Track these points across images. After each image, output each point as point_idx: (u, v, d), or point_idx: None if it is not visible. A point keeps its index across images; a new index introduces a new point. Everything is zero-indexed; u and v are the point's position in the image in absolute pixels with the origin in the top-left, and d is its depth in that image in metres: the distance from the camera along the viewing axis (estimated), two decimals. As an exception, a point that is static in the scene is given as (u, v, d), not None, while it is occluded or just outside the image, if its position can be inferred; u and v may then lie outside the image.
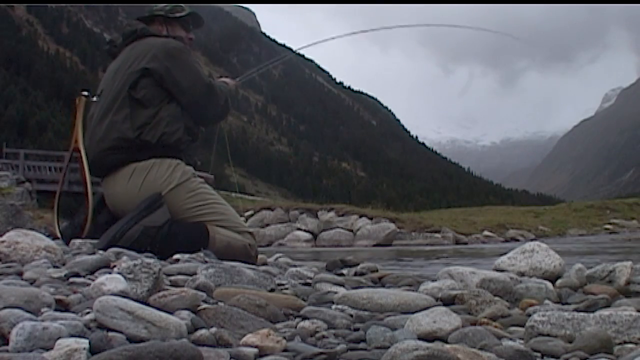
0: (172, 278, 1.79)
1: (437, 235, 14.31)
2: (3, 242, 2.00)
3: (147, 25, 3.04)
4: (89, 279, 1.68)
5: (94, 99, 2.93)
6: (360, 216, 14.81)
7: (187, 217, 2.73)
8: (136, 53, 2.85)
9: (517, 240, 14.73)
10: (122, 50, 2.97)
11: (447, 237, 14.26)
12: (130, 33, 2.97)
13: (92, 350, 0.98)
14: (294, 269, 2.46)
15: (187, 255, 2.30)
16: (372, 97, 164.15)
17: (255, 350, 1.12)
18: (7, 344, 1.02)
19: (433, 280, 2.24)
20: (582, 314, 1.45)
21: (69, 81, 63.65)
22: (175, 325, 1.14)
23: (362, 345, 1.28)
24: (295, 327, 1.39)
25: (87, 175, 2.83)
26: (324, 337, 1.33)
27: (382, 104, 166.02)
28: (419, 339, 1.30)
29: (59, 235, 2.88)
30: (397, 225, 14.43)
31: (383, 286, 2.31)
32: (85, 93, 2.92)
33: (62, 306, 1.30)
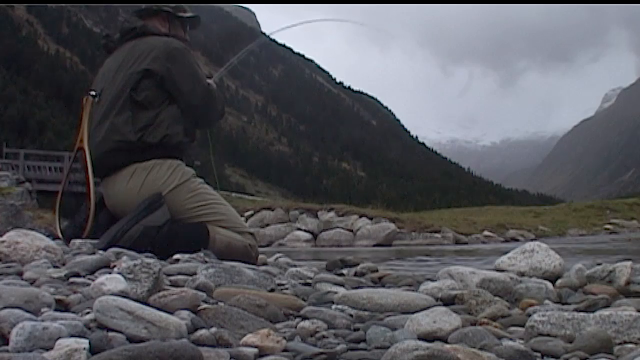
0: (172, 278, 1.79)
1: (437, 235, 14.30)
2: (3, 242, 2.00)
3: (147, 21, 2.99)
4: (89, 279, 1.68)
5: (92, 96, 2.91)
6: (360, 216, 14.80)
7: (187, 218, 2.73)
8: (137, 52, 2.82)
9: (517, 240, 14.71)
10: (121, 47, 2.93)
11: (447, 237, 14.24)
12: (129, 30, 2.93)
13: (92, 350, 0.99)
14: (294, 269, 2.46)
15: (187, 255, 2.30)
16: (372, 97, 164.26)
17: (255, 350, 1.13)
18: (7, 344, 1.02)
19: (433, 280, 2.24)
20: (582, 314, 1.45)
21: (69, 81, 63.71)
22: (175, 325, 1.14)
23: (362, 345, 1.28)
24: (295, 327, 1.39)
25: (90, 175, 2.83)
26: (324, 337, 1.33)
27: (382, 104, 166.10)
28: (419, 339, 1.30)
29: (59, 235, 2.88)
30: (397, 225, 14.41)
31: (383, 286, 2.31)
32: (93, 93, 2.92)
33: (62, 306, 1.30)
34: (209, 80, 3.09)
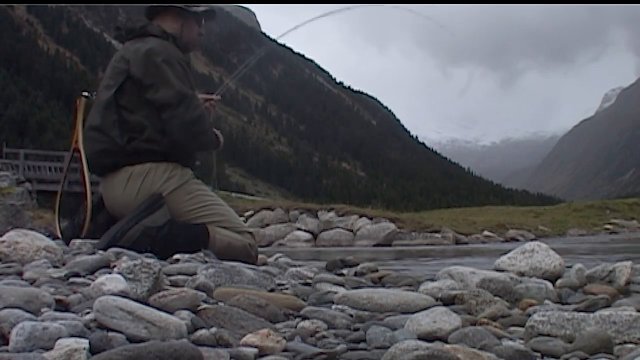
0: (172, 278, 1.79)
1: (437, 235, 14.28)
2: (3, 242, 2.00)
3: (158, 18, 2.90)
4: (89, 279, 1.68)
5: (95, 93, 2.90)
6: (360, 216, 14.79)
7: (187, 220, 2.72)
8: (128, 55, 2.75)
9: (517, 240, 14.71)
10: (124, 45, 2.88)
11: (447, 237, 14.23)
12: (130, 30, 2.87)
13: (92, 350, 0.99)
14: (294, 269, 2.46)
15: (187, 255, 2.30)
16: (372, 97, 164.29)
17: (255, 350, 1.13)
18: (7, 344, 1.02)
19: (433, 280, 2.24)
20: (582, 314, 1.45)
21: (69, 81, 63.72)
22: (175, 325, 1.14)
23: (362, 345, 1.28)
24: (295, 327, 1.39)
25: (86, 176, 2.82)
26: (324, 337, 1.33)
27: (382, 104, 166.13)
28: (419, 339, 1.30)
29: (59, 235, 2.88)
30: (397, 225, 14.40)
31: (383, 286, 2.31)
32: (85, 94, 2.90)
33: (62, 306, 1.30)
34: (208, 95, 3.02)
